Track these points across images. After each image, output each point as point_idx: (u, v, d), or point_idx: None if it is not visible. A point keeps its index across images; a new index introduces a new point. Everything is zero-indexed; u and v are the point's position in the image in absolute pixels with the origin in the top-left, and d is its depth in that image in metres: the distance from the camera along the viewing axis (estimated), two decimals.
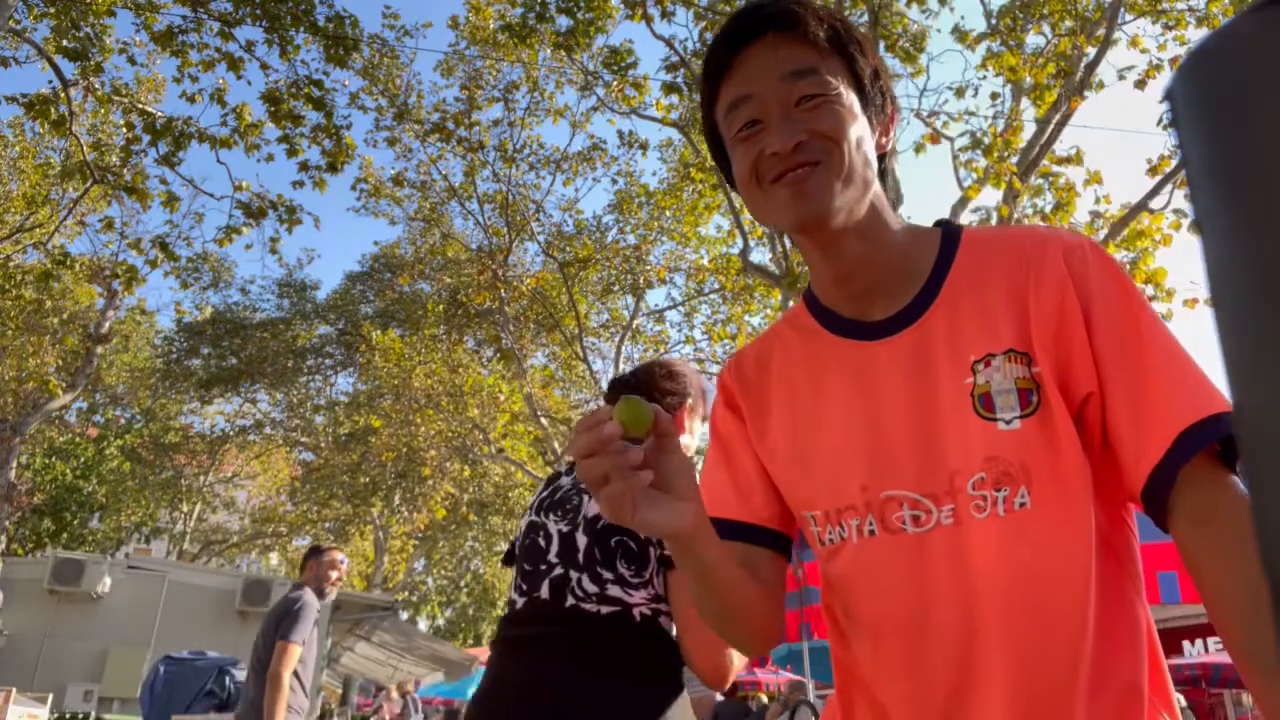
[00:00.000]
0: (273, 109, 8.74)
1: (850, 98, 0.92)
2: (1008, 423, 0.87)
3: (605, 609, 1.56)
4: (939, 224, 1.03)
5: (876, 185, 0.95)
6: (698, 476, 0.95)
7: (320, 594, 4.00)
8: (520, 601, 1.64)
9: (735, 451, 1.07)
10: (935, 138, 9.32)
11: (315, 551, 4.12)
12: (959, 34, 9.86)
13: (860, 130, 0.91)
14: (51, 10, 8.40)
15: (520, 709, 1.50)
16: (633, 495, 0.80)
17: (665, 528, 0.83)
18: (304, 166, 9.01)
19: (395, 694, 13.50)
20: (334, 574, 4.06)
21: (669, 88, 9.58)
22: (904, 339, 0.95)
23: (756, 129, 0.91)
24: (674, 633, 1.60)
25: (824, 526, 0.99)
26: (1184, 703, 8.29)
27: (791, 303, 9.16)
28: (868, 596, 0.95)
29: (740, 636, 1.00)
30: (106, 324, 15.65)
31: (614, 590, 1.56)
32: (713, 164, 0.95)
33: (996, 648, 0.86)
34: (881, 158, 0.98)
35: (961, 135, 10.48)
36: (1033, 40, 9.53)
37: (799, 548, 4.91)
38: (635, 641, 1.55)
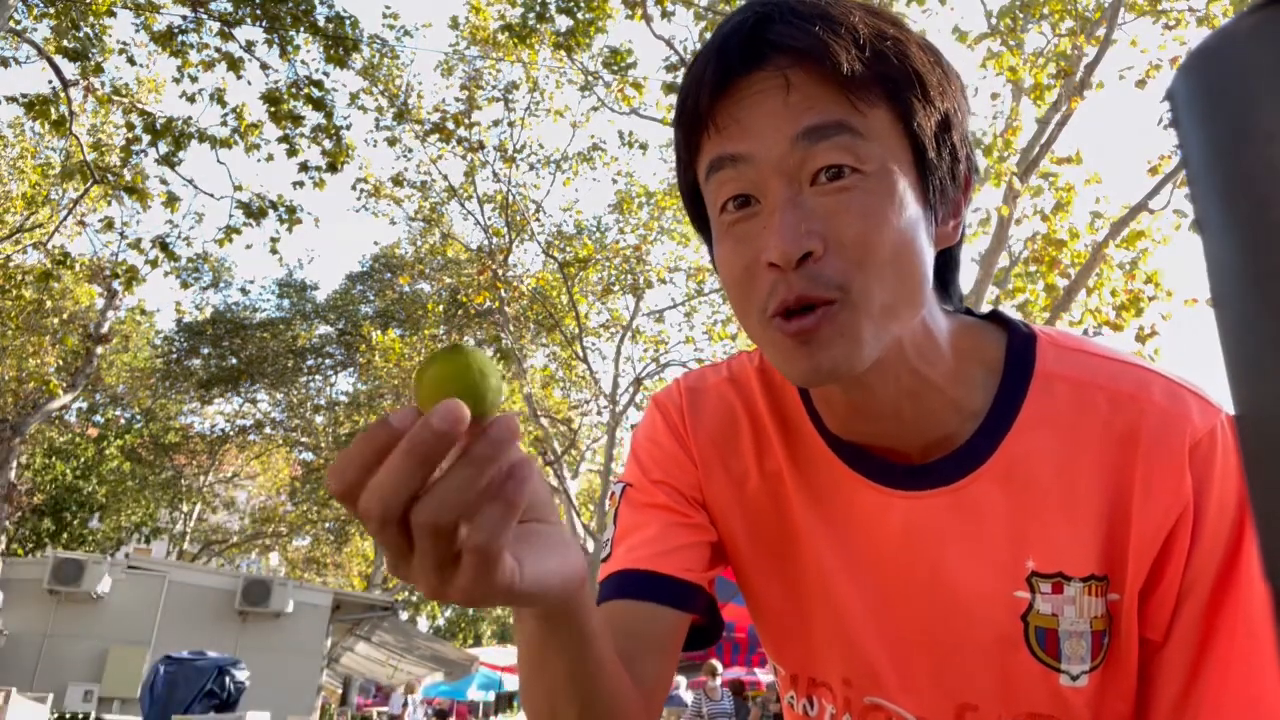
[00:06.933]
0: (273, 109, 8.76)
1: (899, 170, 0.60)
2: (1075, 678, 0.65)
3: None
4: (996, 318, 0.72)
5: (930, 298, 0.65)
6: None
7: None
8: None
9: (675, 505, 0.76)
10: None
11: None
12: (959, 34, 9.85)
13: (909, 226, 0.60)
14: (51, 10, 8.41)
15: None
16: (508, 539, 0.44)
17: (547, 586, 0.49)
18: (304, 167, 9.02)
19: (402, 694, 13.51)
20: None
21: (669, 88, 9.59)
22: (935, 500, 0.67)
23: (751, 212, 0.61)
24: None
25: (789, 685, 0.78)
26: None
27: None
28: None
29: None
30: (106, 324, 15.65)
31: None
32: None
33: None
34: (947, 251, 0.68)
35: None
36: (1033, 40, 9.54)
37: None
38: None
